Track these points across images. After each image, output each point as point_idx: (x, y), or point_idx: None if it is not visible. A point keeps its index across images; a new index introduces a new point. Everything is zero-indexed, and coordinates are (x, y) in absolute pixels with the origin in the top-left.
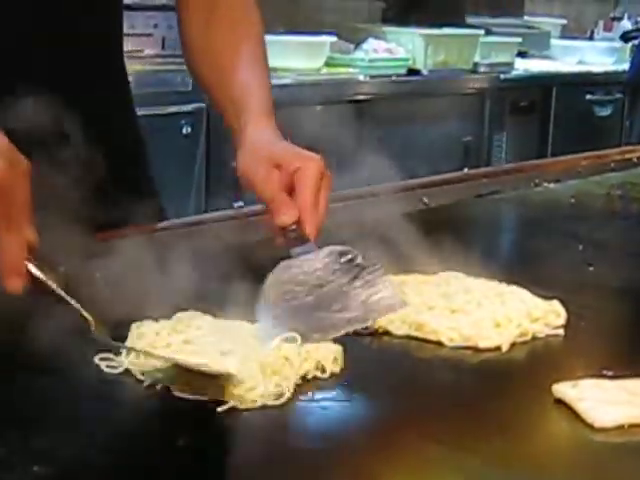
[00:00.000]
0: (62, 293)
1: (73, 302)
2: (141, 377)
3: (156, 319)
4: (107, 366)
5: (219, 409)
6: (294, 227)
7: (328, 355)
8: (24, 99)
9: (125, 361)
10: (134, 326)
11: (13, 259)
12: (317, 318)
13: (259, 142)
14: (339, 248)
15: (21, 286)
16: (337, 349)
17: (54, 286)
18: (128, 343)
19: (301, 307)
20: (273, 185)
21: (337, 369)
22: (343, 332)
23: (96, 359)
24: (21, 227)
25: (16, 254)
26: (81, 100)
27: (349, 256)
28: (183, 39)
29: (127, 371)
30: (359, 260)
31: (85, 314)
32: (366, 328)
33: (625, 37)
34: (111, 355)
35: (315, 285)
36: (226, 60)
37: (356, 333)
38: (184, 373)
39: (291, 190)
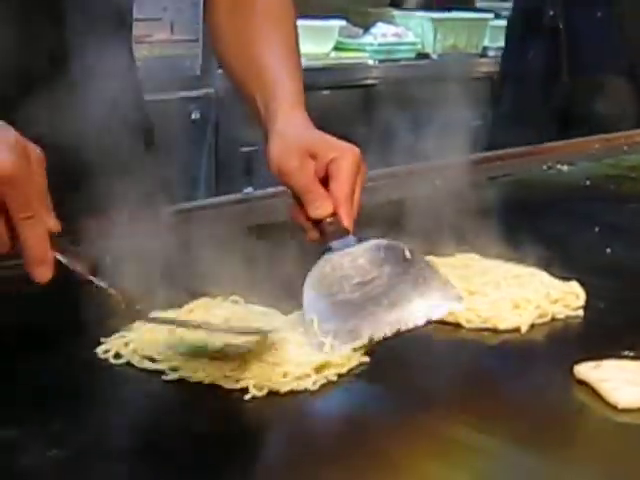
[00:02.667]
0: (91, 277)
1: (102, 284)
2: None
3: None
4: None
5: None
6: (330, 220)
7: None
8: (29, 84)
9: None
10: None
11: (38, 249)
12: (367, 314)
13: (292, 131)
14: (384, 242)
15: (49, 275)
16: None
17: (82, 271)
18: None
19: (348, 302)
20: (308, 175)
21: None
22: (395, 330)
23: (102, 348)
24: (42, 216)
25: (40, 243)
26: (88, 84)
27: (396, 250)
28: (211, 25)
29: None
30: (407, 254)
31: (114, 293)
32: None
33: None
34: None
35: (362, 280)
36: (257, 48)
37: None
38: (200, 358)
39: (325, 181)
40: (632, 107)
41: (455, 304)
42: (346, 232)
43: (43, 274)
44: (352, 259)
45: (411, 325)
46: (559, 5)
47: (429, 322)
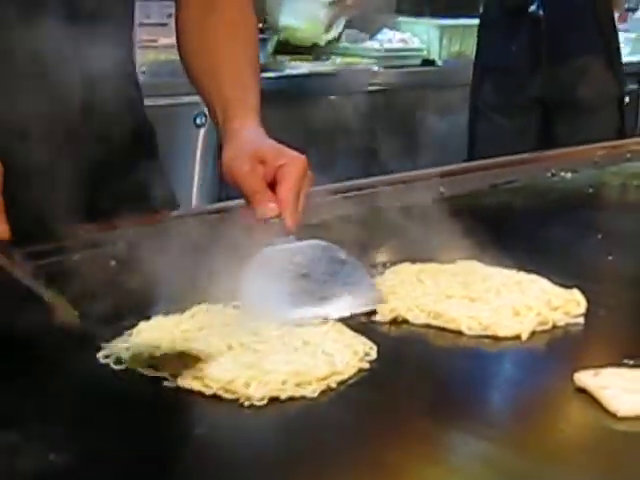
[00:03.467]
0: (29, 282)
1: (40, 290)
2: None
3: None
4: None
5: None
6: (274, 221)
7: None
8: (26, 92)
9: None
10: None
11: None
12: (299, 304)
13: (246, 138)
14: (323, 243)
15: None
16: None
17: (21, 276)
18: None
19: (283, 292)
20: (257, 179)
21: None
22: (322, 320)
23: (103, 353)
24: None
25: None
26: (86, 90)
27: (332, 251)
28: (179, 31)
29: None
30: (341, 256)
31: (50, 300)
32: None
33: None
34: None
35: (298, 274)
36: (220, 58)
37: (373, 322)
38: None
39: (273, 186)
40: (607, 89)
41: (376, 304)
42: (289, 233)
43: None
44: (291, 254)
45: (336, 316)
46: None
47: (352, 315)
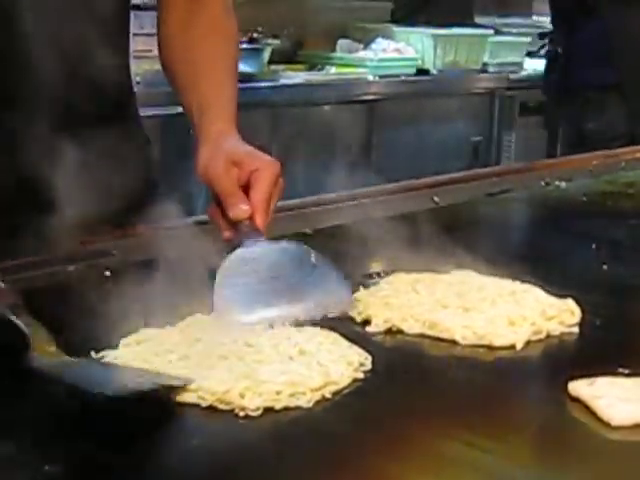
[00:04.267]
0: (6, 313)
1: (17, 321)
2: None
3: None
4: None
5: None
6: (246, 223)
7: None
8: (25, 100)
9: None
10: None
11: None
12: (271, 304)
13: (222, 141)
14: (293, 245)
15: None
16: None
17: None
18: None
19: (255, 292)
20: (231, 181)
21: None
22: (293, 320)
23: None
24: None
25: None
26: (83, 100)
27: (304, 254)
28: (160, 35)
29: None
30: (312, 259)
31: (27, 332)
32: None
33: None
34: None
35: (269, 276)
36: (201, 65)
37: (368, 332)
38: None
39: (246, 189)
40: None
41: (348, 306)
42: (260, 234)
43: None
44: (263, 255)
45: (308, 318)
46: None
47: (324, 317)
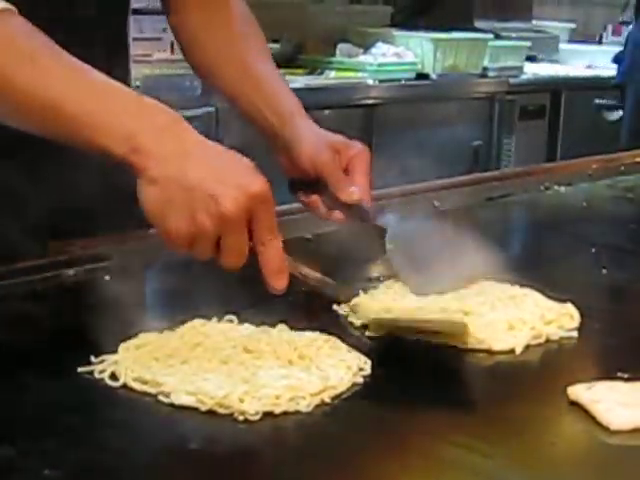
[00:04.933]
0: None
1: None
2: None
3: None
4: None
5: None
6: (355, 204)
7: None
8: None
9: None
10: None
11: (278, 261)
12: (446, 269)
13: (317, 131)
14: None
15: (286, 283)
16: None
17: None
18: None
19: (435, 260)
20: (338, 167)
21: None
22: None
23: (98, 368)
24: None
25: (280, 256)
26: None
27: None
28: (184, 38)
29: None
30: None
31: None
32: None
33: None
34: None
35: (438, 242)
36: (249, 56)
37: (367, 337)
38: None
39: (346, 173)
40: None
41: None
42: (369, 214)
43: (284, 284)
44: (423, 226)
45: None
46: None
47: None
